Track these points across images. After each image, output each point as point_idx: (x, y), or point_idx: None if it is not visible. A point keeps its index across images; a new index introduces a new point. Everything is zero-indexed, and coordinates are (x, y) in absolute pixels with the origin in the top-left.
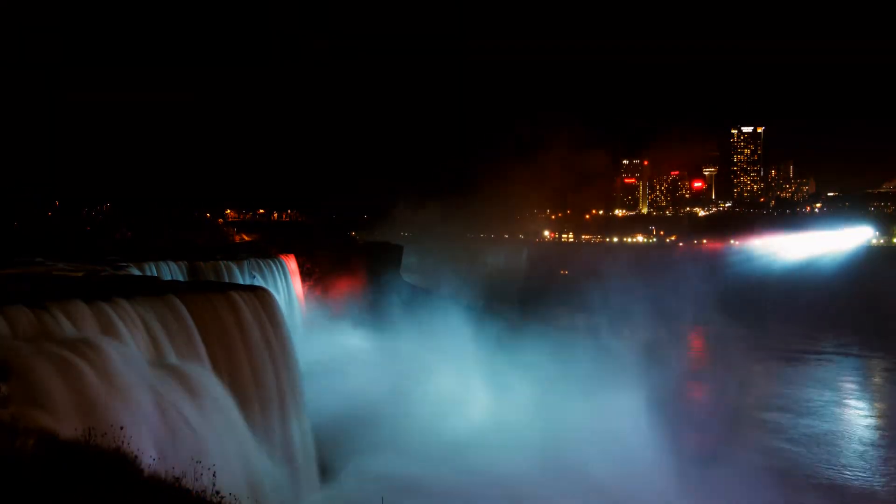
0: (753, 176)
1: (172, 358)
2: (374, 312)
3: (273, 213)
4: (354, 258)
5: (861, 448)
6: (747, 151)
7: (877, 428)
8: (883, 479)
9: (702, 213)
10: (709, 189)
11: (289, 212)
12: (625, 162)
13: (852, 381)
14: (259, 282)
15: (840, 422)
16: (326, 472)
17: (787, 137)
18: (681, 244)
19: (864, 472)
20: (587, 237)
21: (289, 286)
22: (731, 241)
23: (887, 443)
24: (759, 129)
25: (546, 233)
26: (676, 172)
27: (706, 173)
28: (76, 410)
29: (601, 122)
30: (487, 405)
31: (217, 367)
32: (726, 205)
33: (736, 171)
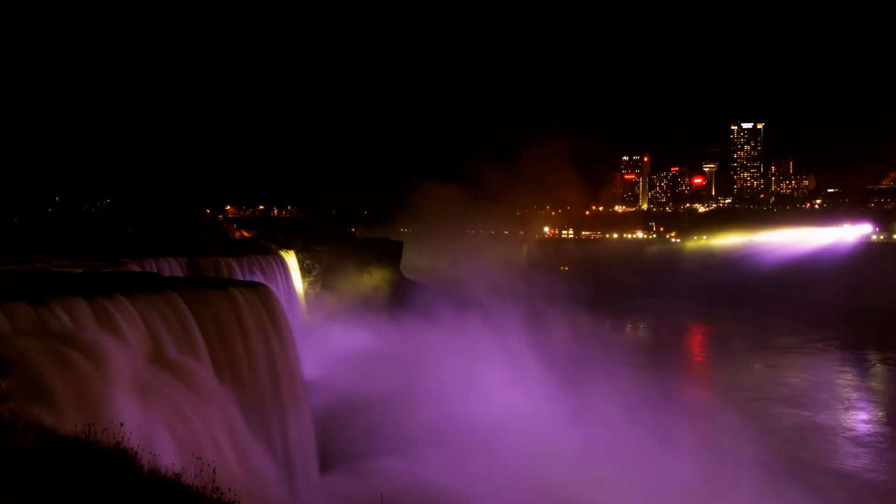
0: (753, 172)
1: (172, 354)
2: (373, 308)
3: (273, 210)
4: (354, 254)
5: (860, 442)
6: (747, 148)
7: (875, 421)
8: (882, 472)
9: (702, 209)
10: (709, 185)
11: (289, 208)
12: (625, 158)
13: (852, 376)
14: (259, 278)
15: (839, 415)
16: (326, 467)
17: (787, 134)
18: (680, 240)
19: (865, 466)
20: (587, 233)
21: (289, 282)
22: (732, 238)
23: (886, 436)
24: (760, 126)
25: (546, 229)
26: (676, 168)
27: (706, 169)
28: (76, 406)
29: (601, 118)
30: (484, 404)
31: (217, 364)
32: (726, 201)
33: (736, 167)
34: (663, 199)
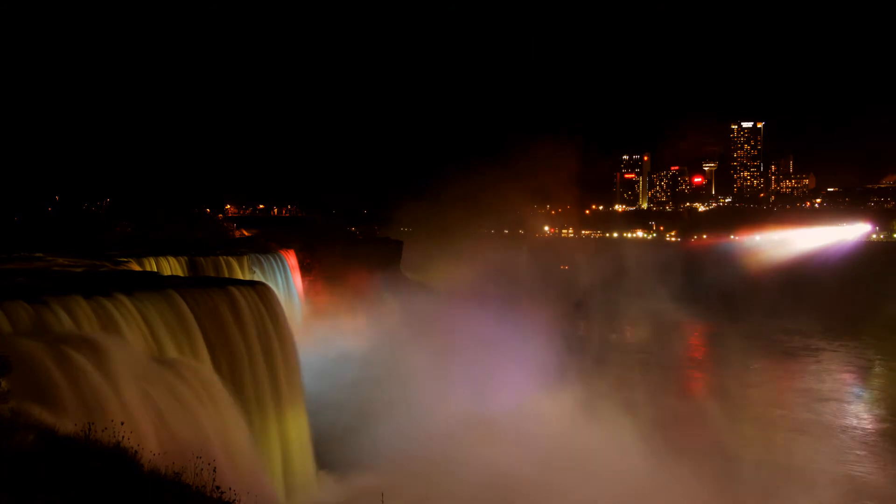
0: (753, 171)
1: (172, 353)
2: (373, 307)
3: (273, 209)
4: (354, 253)
5: (860, 443)
6: (747, 147)
7: (875, 422)
8: (882, 474)
9: (702, 208)
10: (709, 184)
11: (289, 207)
12: (625, 157)
13: (851, 376)
14: (259, 277)
15: (839, 416)
16: (325, 466)
17: (786, 133)
18: (680, 239)
19: (865, 467)
20: (587, 232)
21: (289, 281)
22: (732, 237)
23: (886, 437)
24: (759, 125)
25: (546, 228)
26: (676, 168)
27: (706, 168)
28: (76, 405)
29: (601, 117)
30: (483, 405)
31: (216, 362)
32: (726, 200)
33: (736, 166)
34: (663, 199)
